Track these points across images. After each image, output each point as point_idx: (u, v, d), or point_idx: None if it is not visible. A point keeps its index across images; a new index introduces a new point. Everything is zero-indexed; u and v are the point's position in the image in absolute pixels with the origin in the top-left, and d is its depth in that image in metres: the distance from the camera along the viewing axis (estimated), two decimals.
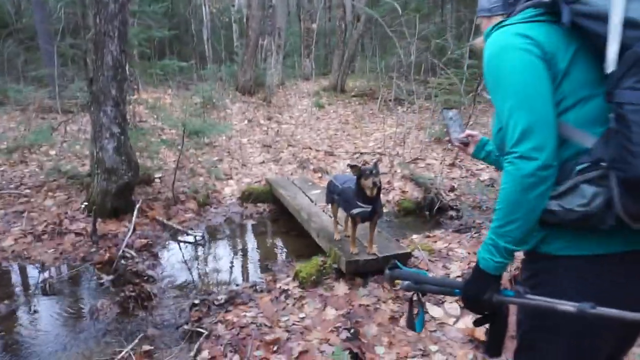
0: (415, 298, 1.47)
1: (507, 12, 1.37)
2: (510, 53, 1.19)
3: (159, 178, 6.34)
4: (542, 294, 1.21)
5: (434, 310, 3.03)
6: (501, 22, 1.29)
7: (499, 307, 1.29)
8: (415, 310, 1.48)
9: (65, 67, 11.78)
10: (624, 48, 1.06)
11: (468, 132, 1.72)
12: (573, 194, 1.14)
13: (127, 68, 4.88)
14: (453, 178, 6.40)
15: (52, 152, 7.17)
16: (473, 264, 1.32)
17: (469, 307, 1.33)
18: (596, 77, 1.16)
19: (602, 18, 1.08)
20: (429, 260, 3.73)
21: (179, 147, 5.95)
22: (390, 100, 11.14)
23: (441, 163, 6.75)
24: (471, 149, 1.72)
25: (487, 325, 1.35)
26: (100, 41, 4.58)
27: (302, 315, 3.12)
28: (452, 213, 5.49)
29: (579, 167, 1.15)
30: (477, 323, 1.38)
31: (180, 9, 22.47)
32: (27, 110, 8.65)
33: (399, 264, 1.51)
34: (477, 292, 1.26)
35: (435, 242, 4.30)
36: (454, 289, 1.36)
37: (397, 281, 1.52)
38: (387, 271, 1.47)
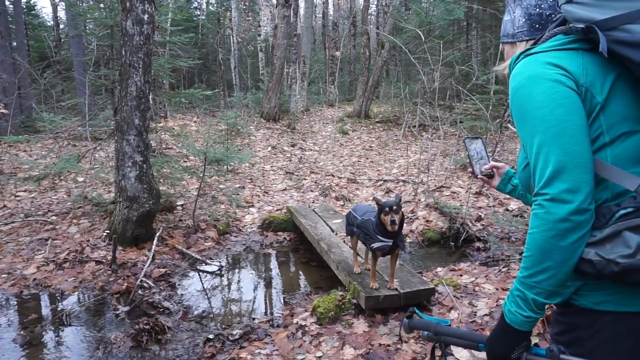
0: (438, 349, 1.37)
1: (533, 38, 1.27)
2: (539, 84, 1.08)
3: (181, 205, 6.36)
4: (579, 355, 1.07)
5: (459, 353, 2.83)
6: (528, 49, 1.18)
7: None
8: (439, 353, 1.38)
9: (99, 96, 12.26)
10: None
11: (493, 163, 1.61)
12: (614, 243, 1.01)
13: (150, 98, 4.95)
14: (480, 207, 6.17)
15: (80, 179, 7.33)
16: (501, 302, 1.19)
17: None
18: (638, 110, 1.04)
19: None
20: (454, 296, 3.53)
21: (201, 175, 5.98)
22: (414, 126, 11.03)
23: (467, 191, 6.53)
24: (496, 181, 1.60)
25: None
26: (125, 72, 4.69)
27: (318, 354, 2.97)
28: (479, 244, 5.26)
29: (621, 212, 1.02)
30: None
31: (209, 39, 23.25)
32: (59, 138, 8.95)
33: (417, 311, 1.43)
34: (504, 350, 1.14)
35: (461, 275, 4.10)
36: (478, 344, 1.26)
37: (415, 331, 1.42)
38: (405, 320, 1.40)
